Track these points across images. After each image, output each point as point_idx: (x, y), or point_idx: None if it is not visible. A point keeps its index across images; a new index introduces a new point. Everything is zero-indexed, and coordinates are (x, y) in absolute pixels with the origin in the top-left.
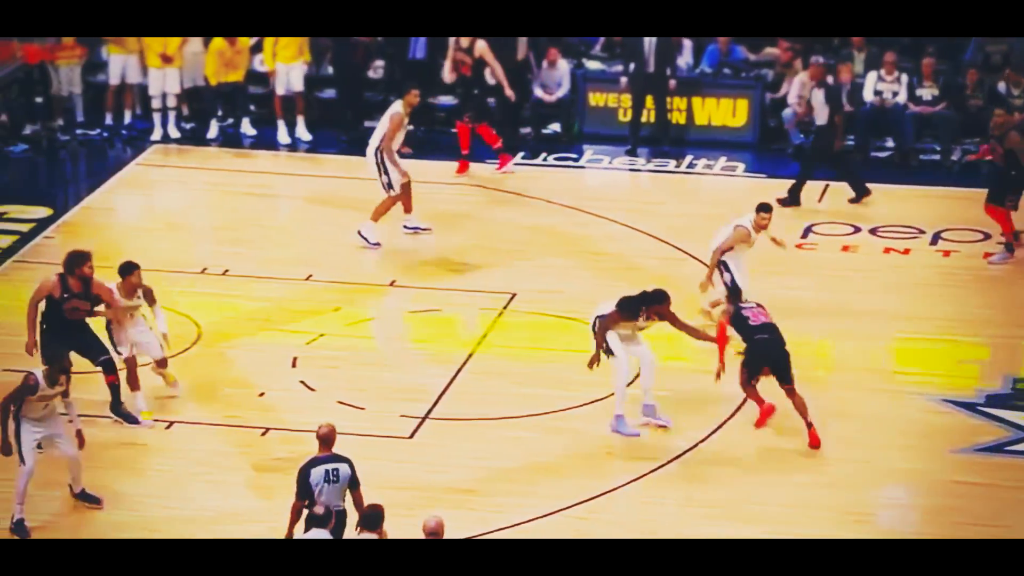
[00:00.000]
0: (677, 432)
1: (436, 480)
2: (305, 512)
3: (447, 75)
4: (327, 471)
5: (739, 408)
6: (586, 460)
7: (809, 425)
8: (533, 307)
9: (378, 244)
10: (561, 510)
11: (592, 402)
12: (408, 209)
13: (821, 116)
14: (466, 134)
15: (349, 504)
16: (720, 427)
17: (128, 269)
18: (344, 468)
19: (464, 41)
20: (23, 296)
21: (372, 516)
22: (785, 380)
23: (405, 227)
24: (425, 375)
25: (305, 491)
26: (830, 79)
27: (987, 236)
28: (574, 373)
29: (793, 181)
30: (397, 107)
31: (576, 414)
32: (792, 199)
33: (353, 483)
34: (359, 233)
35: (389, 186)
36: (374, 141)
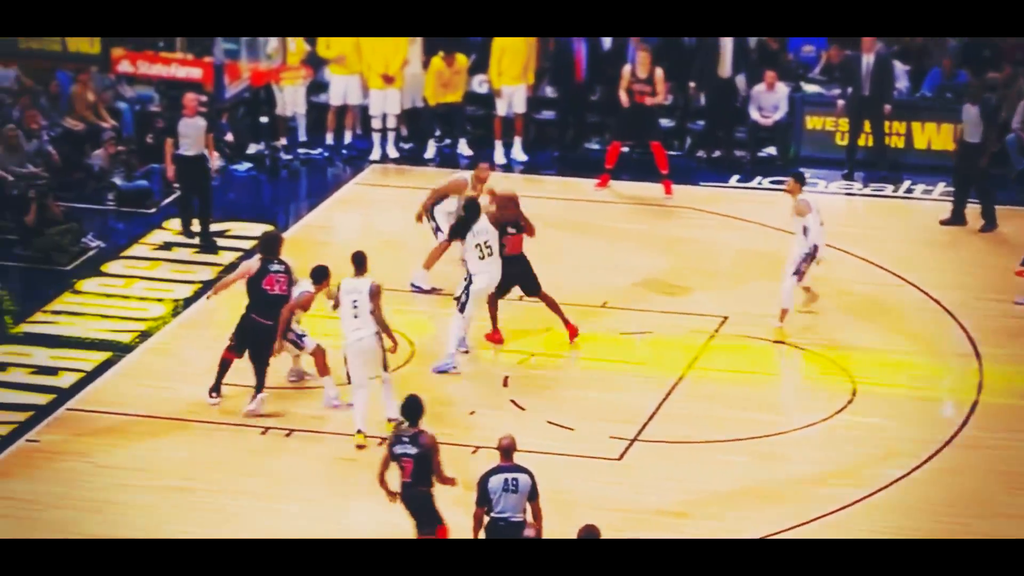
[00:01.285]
0: (889, 460)
1: (645, 502)
2: (486, 519)
3: (623, 101)
4: (506, 480)
5: (955, 434)
6: (796, 486)
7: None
8: (744, 331)
9: (433, 290)
10: (771, 535)
11: (803, 427)
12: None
13: (974, 134)
14: (662, 154)
15: None
16: (933, 456)
17: (325, 274)
18: (524, 478)
19: (642, 72)
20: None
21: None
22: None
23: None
24: (635, 397)
25: (484, 498)
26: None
27: None
28: (785, 398)
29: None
30: (464, 175)
31: (786, 439)
32: (955, 219)
33: (532, 494)
34: (411, 284)
35: (438, 230)
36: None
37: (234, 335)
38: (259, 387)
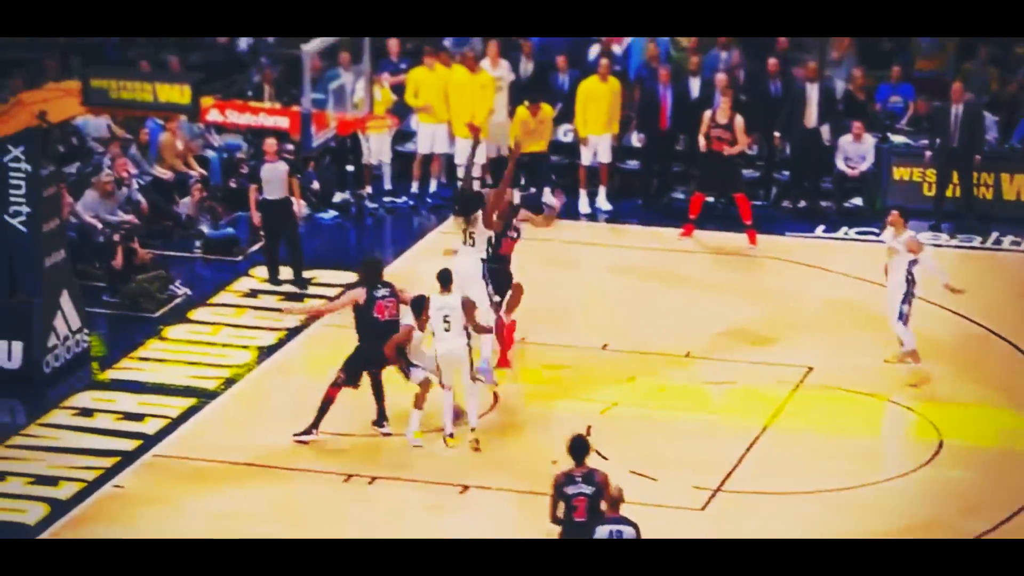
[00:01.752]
0: (975, 514)
1: None
2: None
3: (701, 145)
4: (611, 532)
5: None
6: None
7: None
8: (829, 381)
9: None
10: None
11: (888, 480)
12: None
13: None
14: (746, 205)
15: None
16: (1021, 511)
17: (424, 305)
18: (629, 531)
19: (722, 118)
20: (331, 358)
21: None
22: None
23: None
24: (719, 447)
25: None
26: None
27: None
28: (869, 449)
29: None
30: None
31: (871, 491)
32: None
33: None
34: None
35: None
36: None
37: (344, 370)
38: (383, 414)
